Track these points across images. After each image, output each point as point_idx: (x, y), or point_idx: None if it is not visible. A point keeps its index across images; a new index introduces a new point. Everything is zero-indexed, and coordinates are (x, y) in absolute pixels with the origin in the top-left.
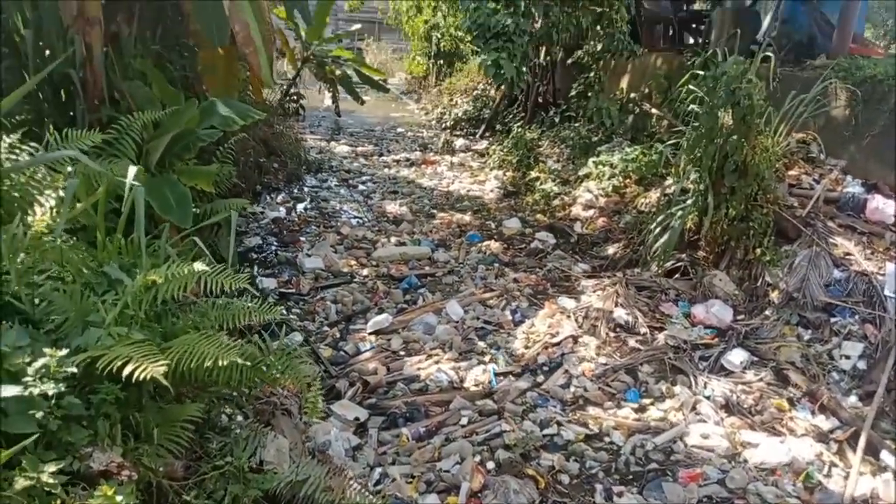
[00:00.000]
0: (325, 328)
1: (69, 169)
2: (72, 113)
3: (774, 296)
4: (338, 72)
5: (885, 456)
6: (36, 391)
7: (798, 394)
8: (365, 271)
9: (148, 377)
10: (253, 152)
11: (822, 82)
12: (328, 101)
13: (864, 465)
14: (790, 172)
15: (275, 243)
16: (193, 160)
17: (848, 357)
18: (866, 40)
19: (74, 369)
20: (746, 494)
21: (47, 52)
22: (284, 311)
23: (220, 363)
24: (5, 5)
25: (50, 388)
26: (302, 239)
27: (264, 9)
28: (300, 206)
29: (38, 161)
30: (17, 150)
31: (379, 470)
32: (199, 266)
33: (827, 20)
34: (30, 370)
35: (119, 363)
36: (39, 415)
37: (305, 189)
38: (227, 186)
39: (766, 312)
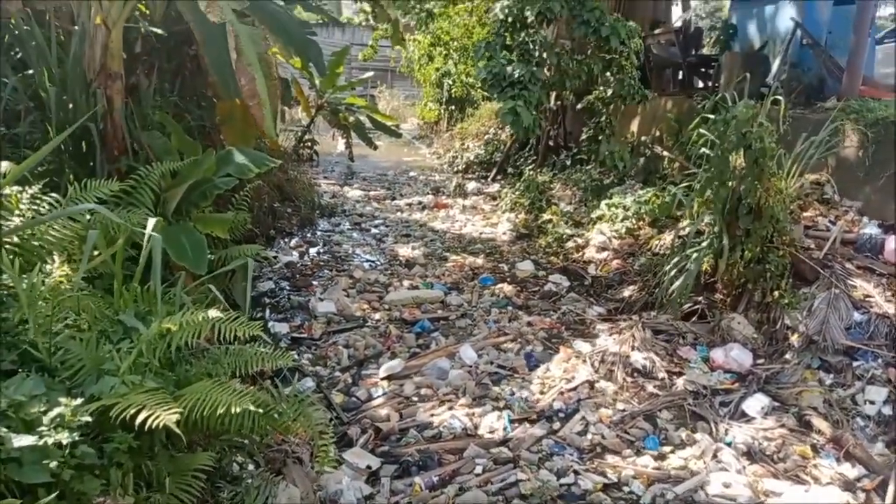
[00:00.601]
0: (337, 373)
1: (88, 218)
2: (92, 163)
3: (794, 339)
4: (351, 118)
5: None
6: (50, 441)
7: (822, 440)
8: (377, 315)
9: (161, 425)
10: (267, 197)
11: (832, 124)
12: (341, 147)
13: None
14: (805, 214)
15: (287, 287)
16: (209, 207)
17: (872, 402)
18: (876, 82)
19: (89, 418)
20: None
21: (70, 105)
22: (296, 357)
23: (232, 410)
24: (32, 63)
25: (64, 438)
26: (314, 283)
27: (272, 64)
28: (313, 251)
29: (59, 215)
30: (38, 201)
31: None
32: (213, 313)
33: (836, 63)
34: (45, 419)
35: (132, 411)
36: (53, 464)
37: (318, 233)
38: (242, 232)
39: (787, 356)
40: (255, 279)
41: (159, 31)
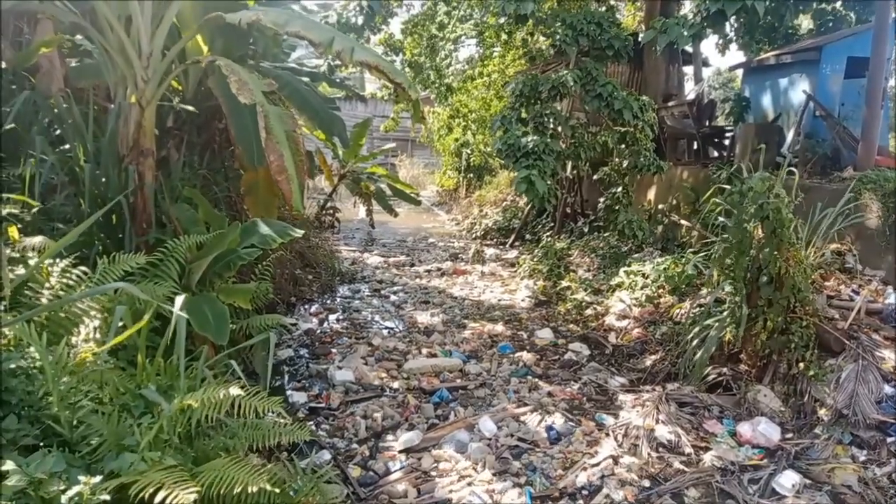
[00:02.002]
0: (355, 445)
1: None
2: (121, 236)
3: (823, 413)
4: (372, 187)
5: None
6: None
7: None
8: (396, 384)
9: None
10: (289, 265)
11: (850, 193)
12: (363, 214)
13: None
14: (827, 284)
15: (306, 355)
16: (233, 278)
17: None
18: (891, 153)
19: (107, 497)
20: None
21: (104, 180)
22: (314, 428)
23: (249, 490)
24: (69, 139)
25: None
26: (333, 350)
27: (299, 142)
28: (332, 317)
29: (88, 294)
30: (68, 274)
31: None
32: (234, 391)
33: (850, 133)
34: (63, 499)
35: (151, 490)
36: None
37: (338, 299)
38: (264, 302)
39: (816, 430)
40: (275, 346)
41: (190, 107)
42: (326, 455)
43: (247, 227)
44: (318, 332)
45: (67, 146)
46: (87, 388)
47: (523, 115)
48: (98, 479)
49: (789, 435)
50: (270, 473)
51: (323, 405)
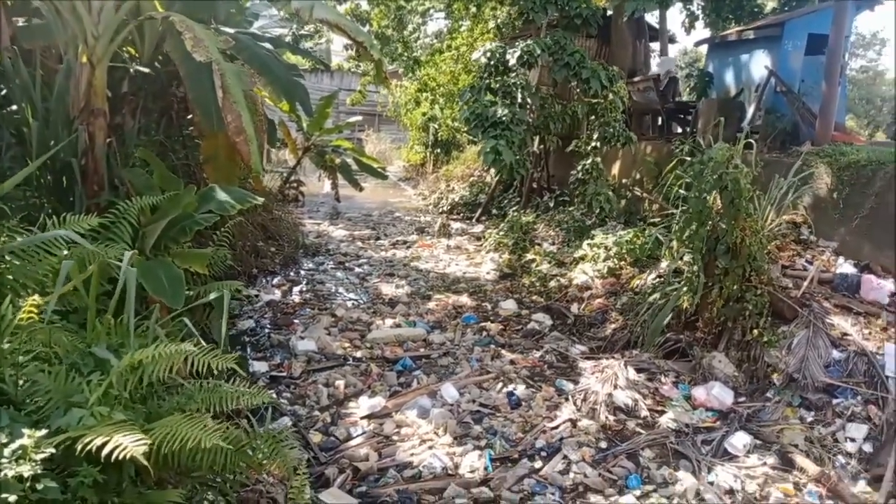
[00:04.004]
0: (316, 412)
1: (65, 253)
2: (71, 199)
3: (775, 377)
4: (337, 160)
5: None
6: (10, 473)
7: (804, 478)
8: (359, 353)
9: (128, 457)
10: (250, 237)
11: (806, 167)
12: (328, 188)
13: None
14: (783, 254)
15: (268, 326)
16: (189, 244)
17: (853, 439)
18: (848, 129)
19: (52, 450)
20: None
21: (52, 141)
22: (274, 395)
23: (203, 445)
24: (16, 99)
25: (25, 471)
26: (296, 321)
27: (257, 101)
28: (295, 289)
29: (31, 241)
30: (14, 235)
31: None
32: (186, 346)
33: (809, 109)
34: (6, 451)
35: (99, 443)
36: (13, 499)
37: (302, 272)
38: (223, 269)
39: (768, 394)
40: (235, 318)
41: (147, 70)
42: (287, 421)
43: (204, 192)
44: (281, 303)
45: (14, 107)
46: (34, 348)
47: (491, 84)
48: (43, 432)
49: (742, 398)
50: (226, 432)
51: (284, 374)
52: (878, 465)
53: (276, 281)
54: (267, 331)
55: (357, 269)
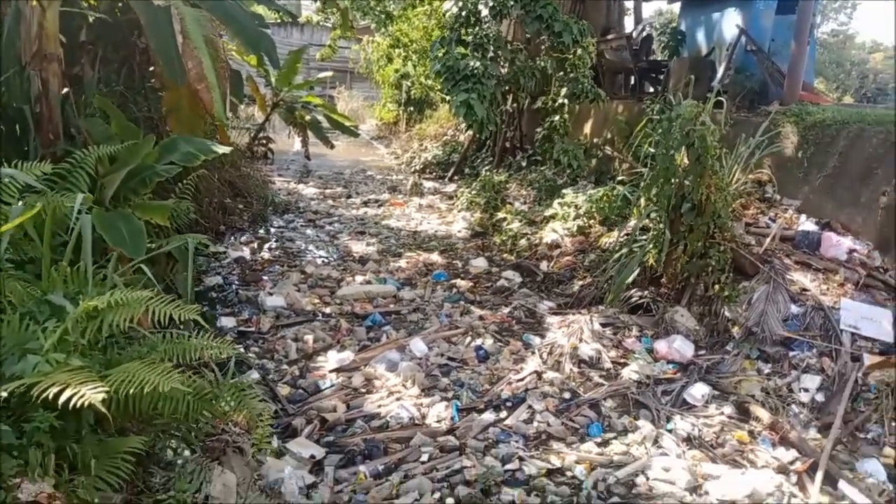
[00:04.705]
0: (285, 366)
1: (20, 203)
2: (25, 148)
3: (735, 331)
4: (307, 117)
5: (842, 486)
6: None
7: (759, 427)
8: (328, 309)
9: (86, 404)
10: (217, 193)
11: (773, 126)
12: (298, 146)
13: (823, 495)
14: (747, 212)
15: (236, 282)
16: (149, 195)
17: (806, 390)
18: (816, 89)
19: (5, 394)
20: None
21: (3, 89)
22: (242, 349)
23: (161, 390)
24: None
25: None
26: (265, 278)
27: (219, 47)
28: (265, 246)
29: None
30: None
31: None
32: (144, 293)
33: (778, 69)
34: None
35: (55, 390)
36: None
37: (272, 230)
38: (186, 223)
39: (727, 347)
40: (202, 273)
41: (106, 17)
42: (255, 375)
43: (166, 143)
44: (249, 260)
45: None
46: None
47: (463, 36)
48: None
49: (702, 351)
50: (186, 379)
51: (253, 329)
52: (829, 413)
53: (244, 238)
54: (235, 287)
55: (328, 227)
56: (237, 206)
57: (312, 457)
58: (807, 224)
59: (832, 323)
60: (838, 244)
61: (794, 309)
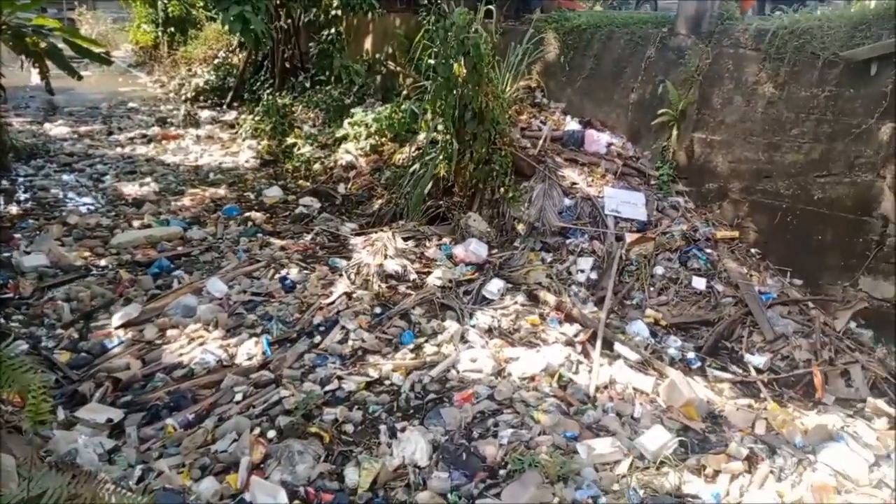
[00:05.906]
0: (59, 330)
1: None
2: None
3: (520, 228)
4: (43, 44)
5: (617, 347)
6: None
7: (547, 309)
8: (103, 261)
9: None
10: None
11: (536, 33)
12: (36, 79)
13: (603, 357)
14: (521, 117)
15: None
16: None
17: (583, 271)
18: None
19: None
20: (513, 403)
21: None
22: (2, 321)
23: None
24: None
25: None
26: (17, 235)
27: None
28: (13, 199)
29: None
30: None
31: (140, 467)
32: None
33: None
34: None
35: None
36: None
37: (20, 179)
38: None
39: (515, 243)
40: None
41: None
42: (23, 346)
43: None
44: None
45: None
46: None
47: None
48: None
49: (495, 250)
50: None
51: (11, 295)
52: (602, 288)
53: None
54: None
55: (88, 170)
56: None
57: (110, 420)
58: (572, 124)
59: (598, 210)
60: (598, 139)
61: (567, 202)
